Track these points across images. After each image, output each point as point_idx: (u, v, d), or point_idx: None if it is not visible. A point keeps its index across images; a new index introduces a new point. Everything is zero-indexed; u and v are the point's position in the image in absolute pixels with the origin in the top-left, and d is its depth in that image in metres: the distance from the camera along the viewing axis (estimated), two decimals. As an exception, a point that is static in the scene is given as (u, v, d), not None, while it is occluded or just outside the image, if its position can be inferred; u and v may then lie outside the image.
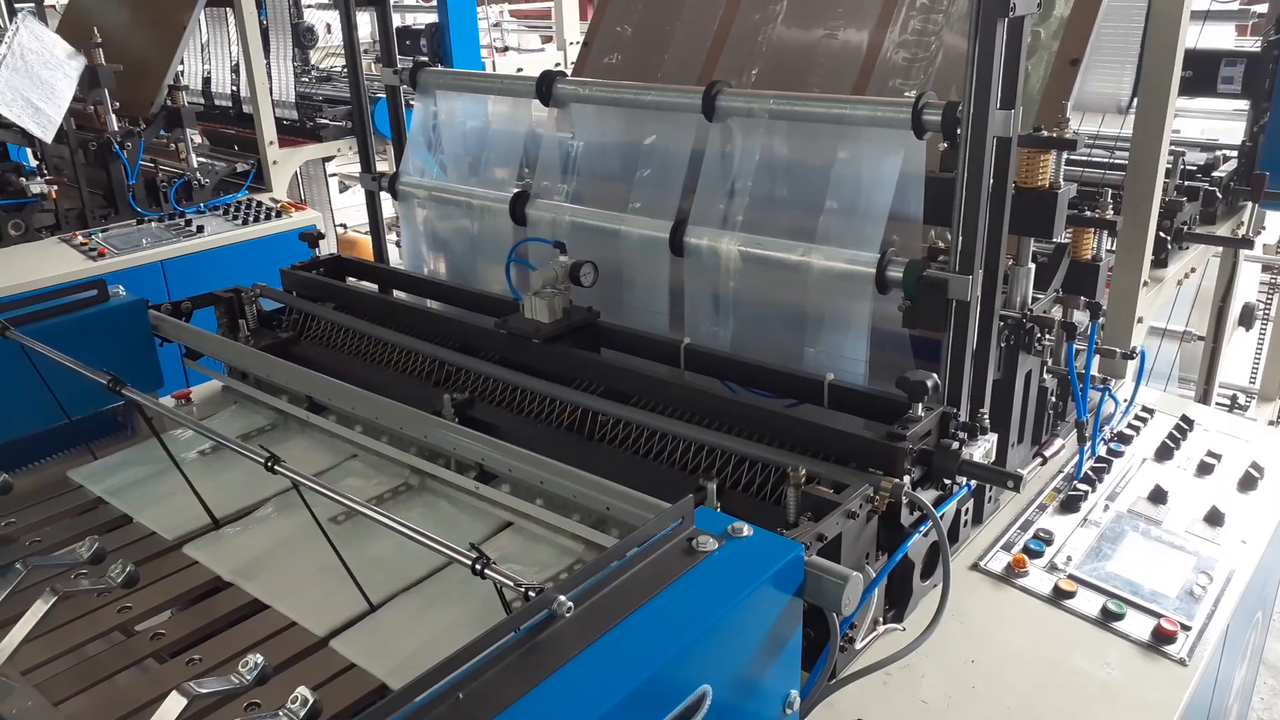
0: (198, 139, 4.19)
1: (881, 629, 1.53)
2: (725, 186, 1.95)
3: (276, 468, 1.41)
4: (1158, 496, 1.88)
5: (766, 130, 1.91)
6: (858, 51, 2.30)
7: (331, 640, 1.44)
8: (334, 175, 6.37)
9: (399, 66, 2.46)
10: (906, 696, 1.46)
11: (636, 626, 1.08)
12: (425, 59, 3.50)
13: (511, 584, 1.13)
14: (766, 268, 1.86)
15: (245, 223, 4.05)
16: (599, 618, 1.08)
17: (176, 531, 1.72)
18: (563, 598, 1.06)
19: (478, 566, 1.15)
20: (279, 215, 4.16)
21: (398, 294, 2.46)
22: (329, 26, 6.45)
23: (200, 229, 3.94)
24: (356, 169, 6.10)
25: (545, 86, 2.18)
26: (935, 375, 1.56)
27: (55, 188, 3.93)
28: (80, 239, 3.78)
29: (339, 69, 5.69)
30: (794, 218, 1.87)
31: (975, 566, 1.73)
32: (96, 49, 3.88)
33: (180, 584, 1.62)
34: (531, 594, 1.08)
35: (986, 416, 1.67)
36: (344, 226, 6.30)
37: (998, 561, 1.72)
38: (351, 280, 2.50)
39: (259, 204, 4.19)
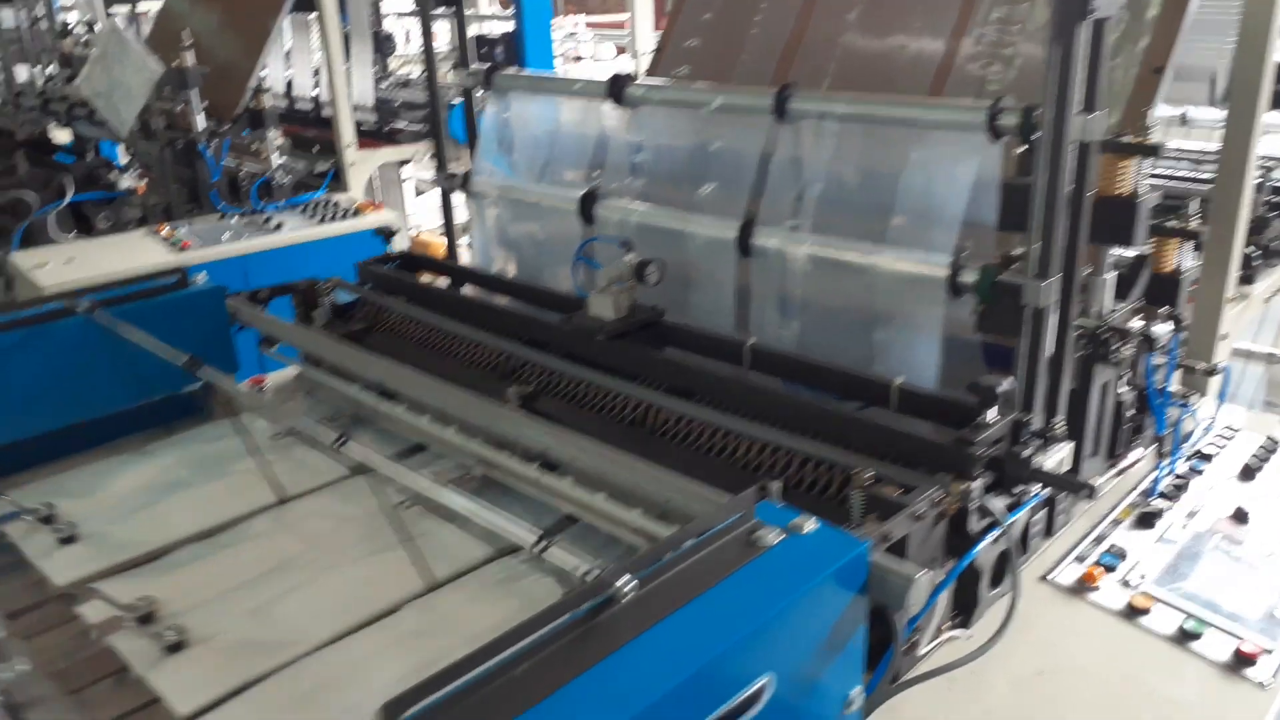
0: (279, 140, 4.31)
1: (946, 635, 1.50)
2: (795, 189, 1.94)
3: (342, 448, 1.44)
4: (1240, 516, 1.81)
5: (838, 133, 1.89)
6: (931, 62, 2.27)
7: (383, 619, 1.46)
8: (408, 179, 6.50)
9: (474, 68, 2.50)
10: (970, 705, 1.43)
11: (696, 614, 1.07)
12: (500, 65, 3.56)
13: (571, 567, 1.14)
14: (836, 270, 1.84)
15: (322, 221, 4.15)
16: (658, 603, 1.07)
17: (241, 509, 1.76)
18: (623, 580, 1.06)
19: (541, 544, 1.15)
20: (355, 215, 4.25)
21: (467, 290, 2.50)
22: (408, 35, 6.60)
23: (279, 225, 4.05)
24: (431, 174, 6.21)
25: (616, 88, 2.20)
26: (1009, 379, 1.53)
27: (143, 183, 4.09)
28: (165, 232, 3.91)
29: (416, 75, 5.82)
30: (864, 221, 1.85)
31: (1045, 579, 1.68)
32: (187, 51, 4.02)
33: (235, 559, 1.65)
34: (589, 578, 1.09)
35: (1060, 424, 1.62)
36: (416, 229, 6.41)
37: (1068, 574, 1.67)
38: (424, 277, 2.54)
39: (336, 204, 4.29)
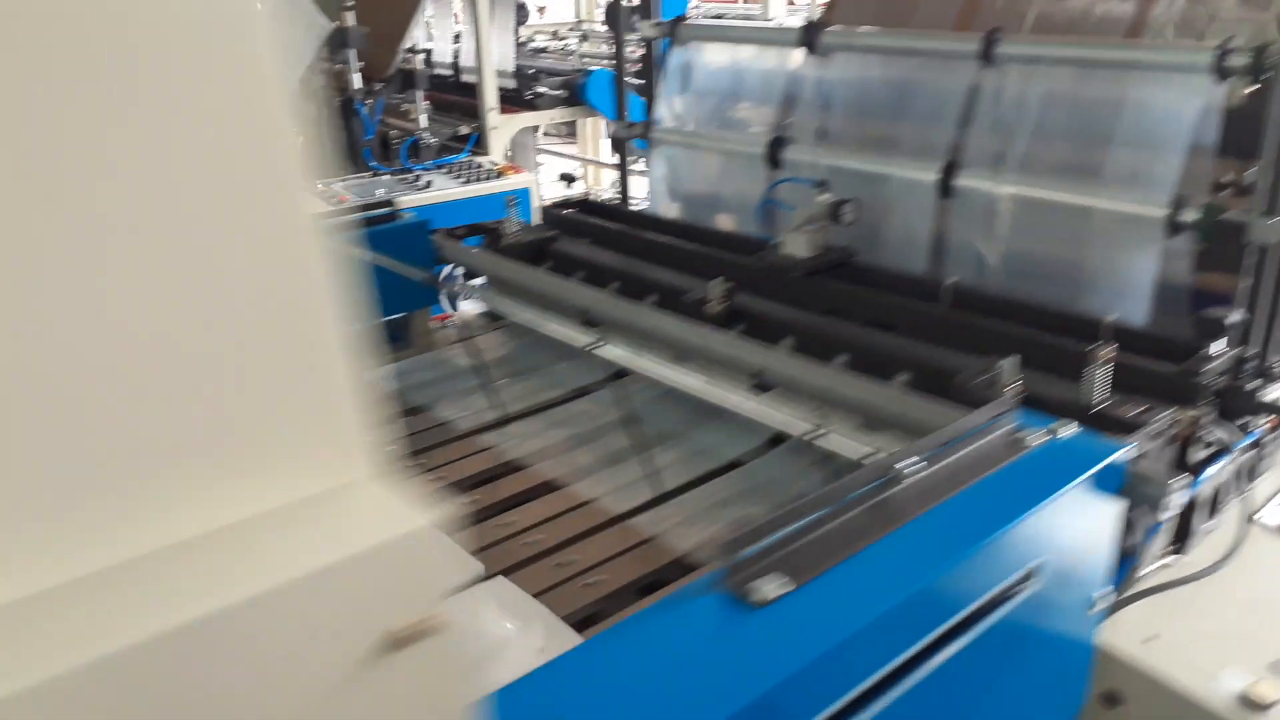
0: (425, 103, 4.47)
1: (1160, 561, 1.53)
2: (1000, 132, 1.97)
3: (595, 350, 1.53)
4: None
5: (1047, 76, 1.91)
6: (1121, 23, 2.26)
7: (627, 519, 1.55)
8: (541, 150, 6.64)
9: (657, 21, 2.58)
10: (1192, 623, 1.46)
11: (973, 499, 1.13)
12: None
13: (851, 452, 1.21)
14: (1045, 212, 1.87)
15: (467, 181, 4.29)
16: (937, 488, 1.14)
17: (468, 423, 1.88)
18: (907, 462, 1.12)
19: (816, 432, 1.22)
20: (497, 176, 4.38)
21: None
22: (541, 9, 6.73)
23: (428, 184, 4.20)
24: (556, 145, 6.32)
25: (810, 36, 2.25)
26: (1237, 311, 1.55)
27: (300, 140, 4.27)
28: (321, 187, 4.09)
29: (548, 45, 5.94)
30: (1074, 164, 1.87)
31: (1251, 519, 1.69)
32: (348, 11, 4.19)
33: (472, 467, 1.77)
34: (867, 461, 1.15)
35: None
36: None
37: (1276, 515, 1.68)
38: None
39: (479, 165, 4.42)
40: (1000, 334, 1.74)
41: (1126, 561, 1.34)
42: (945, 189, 2.00)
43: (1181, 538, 1.58)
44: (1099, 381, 1.43)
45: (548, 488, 1.67)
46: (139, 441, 0.43)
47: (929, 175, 2.02)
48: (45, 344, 0.40)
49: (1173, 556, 1.56)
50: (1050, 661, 1.29)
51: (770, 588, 0.95)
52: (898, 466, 1.11)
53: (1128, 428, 1.41)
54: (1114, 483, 1.24)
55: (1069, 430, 1.25)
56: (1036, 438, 1.23)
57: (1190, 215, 1.68)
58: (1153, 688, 1.40)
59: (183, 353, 0.44)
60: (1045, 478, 1.17)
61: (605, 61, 5.41)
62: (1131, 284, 1.78)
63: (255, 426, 0.46)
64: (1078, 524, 1.21)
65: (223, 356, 0.45)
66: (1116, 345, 1.44)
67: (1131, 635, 1.42)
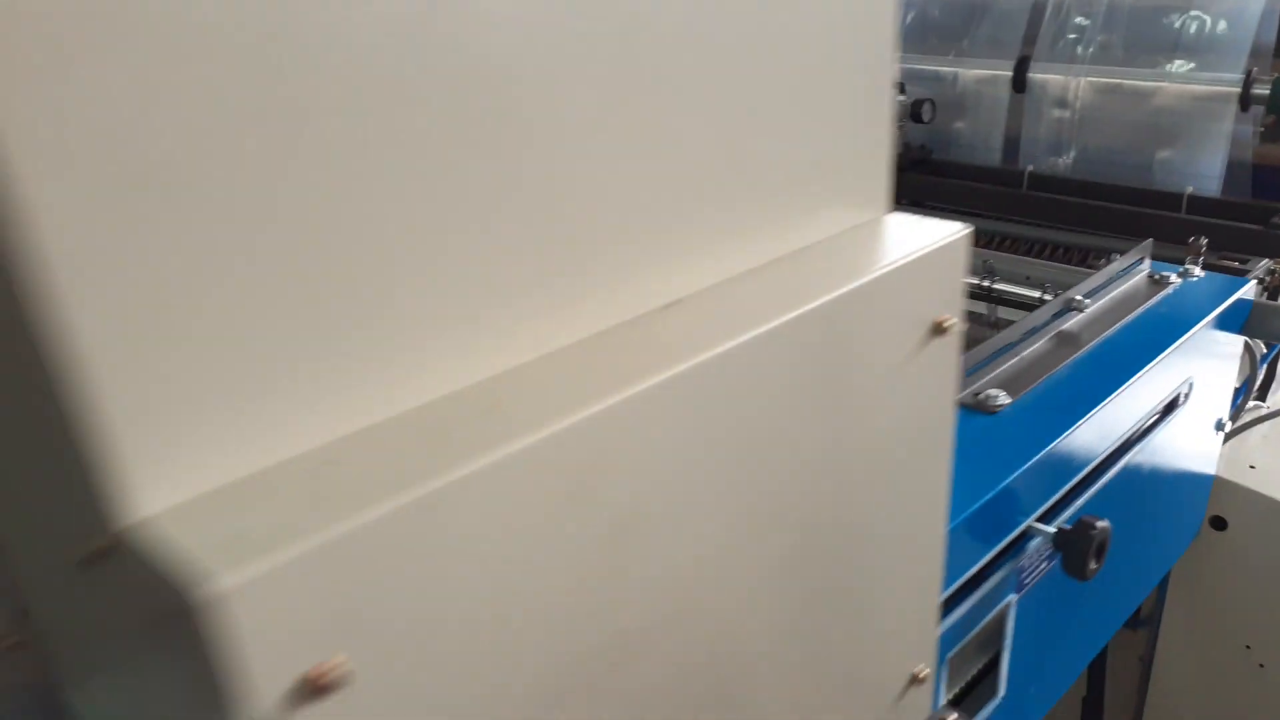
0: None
1: (1253, 402, 1.70)
2: (1070, 25, 2.10)
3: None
4: None
5: (1113, -29, 2.05)
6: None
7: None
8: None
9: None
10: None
11: (1132, 328, 1.28)
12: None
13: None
14: (1118, 98, 2.01)
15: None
16: (1102, 319, 1.29)
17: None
18: (1081, 297, 1.27)
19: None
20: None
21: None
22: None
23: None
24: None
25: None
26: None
27: None
28: None
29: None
30: (1146, 54, 2.02)
31: (1317, 366, 1.87)
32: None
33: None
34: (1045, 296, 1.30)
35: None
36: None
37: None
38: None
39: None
40: (1090, 208, 1.89)
41: (1236, 394, 1.50)
42: (1019, 83, 2.13)
43: (1265, 386, 1.76)
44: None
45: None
46: (729, 176, 0.54)
47: (1003, 71, 2.15)
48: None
49: (1254, 401, 1.74)
50: (1184, 483, 1.45)
51: (999, 399, 1.09)
52: (1078, 298, 1.25)
53: (1236, 275, 1.57)
54: (1237, 318, 1.40)
55: (1199, 271, 1.40)
56: (1175, 278, 1.38)
57: (1260, 89, 1.83)
58: (1256, 512, 1.58)
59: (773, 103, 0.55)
60: (1189, 309, 1.32)
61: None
62: (1204, 165, 1.93)
63: (816, 167, 0.58)
64: (1211, 353, 1.36)
65: (794, 103, 0.57)
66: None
67: (1235, 465, 1.60)
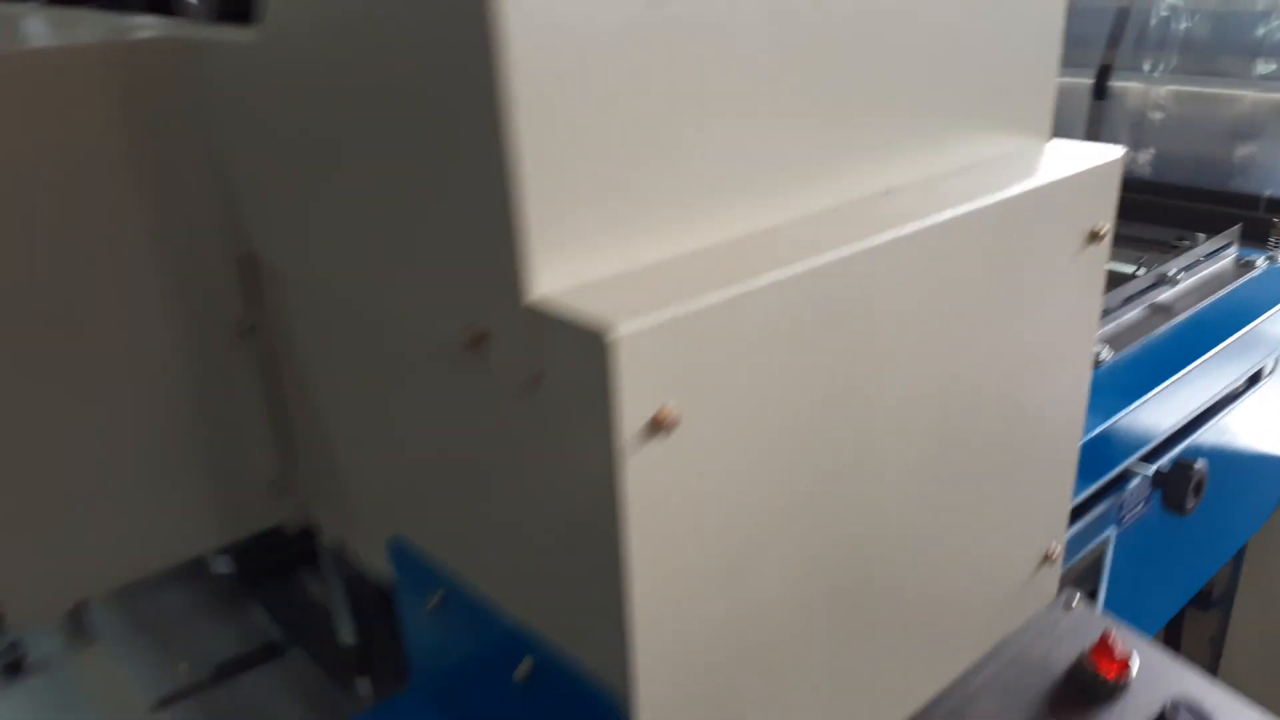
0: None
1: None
2: (1149, 34, 2.20)
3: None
4: None
5: (1194, -13, 2.14)
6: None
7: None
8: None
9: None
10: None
11: (1222, 302, 1.37)
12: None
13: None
14: (1197, 104, 2.10)
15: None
16: (1194, 292, 1.38)
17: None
18: (1174, 271, 1.36)
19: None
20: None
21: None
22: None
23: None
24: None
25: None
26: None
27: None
28: None
29: None
30: (1223, 62, 2.10)
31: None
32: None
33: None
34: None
35: None
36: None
37: None
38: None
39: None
40: (1169, 207, 1.98)
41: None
42: (1100, 91, 2.22)
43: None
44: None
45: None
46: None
47: (1084, 80, 2.24)
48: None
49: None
50: (1266, 457, 1.53)
51: (1104, 353, 1.18)
52: (1171, 273, 1.34)
53: (1315, 266, 1.65)
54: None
55: (1283, 257, 1.49)
56: (1262, 261, 1.47)
57: (1340, 97, 1.92)
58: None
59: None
60: (1274, 289, 1.41)
61: None
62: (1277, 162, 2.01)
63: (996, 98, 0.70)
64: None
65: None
66: None
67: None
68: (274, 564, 1.19)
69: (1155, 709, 0.77)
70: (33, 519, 0.72)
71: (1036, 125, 0.72)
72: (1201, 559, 1.44)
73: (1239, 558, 1.77)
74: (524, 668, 0.60)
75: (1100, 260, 0.72)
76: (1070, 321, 0.73)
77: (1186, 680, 0.81)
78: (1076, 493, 1.09)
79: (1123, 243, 1.97)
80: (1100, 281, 0.74)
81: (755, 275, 0.50)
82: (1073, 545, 1.10)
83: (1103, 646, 0.80)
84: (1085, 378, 0.78)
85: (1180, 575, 1.40)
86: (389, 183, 0.56)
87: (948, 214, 0.59)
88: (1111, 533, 1.14)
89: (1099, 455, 1.10)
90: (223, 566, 1.20)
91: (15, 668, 1.23)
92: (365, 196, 0.59)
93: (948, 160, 0.67)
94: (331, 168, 0.62)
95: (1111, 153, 0.69)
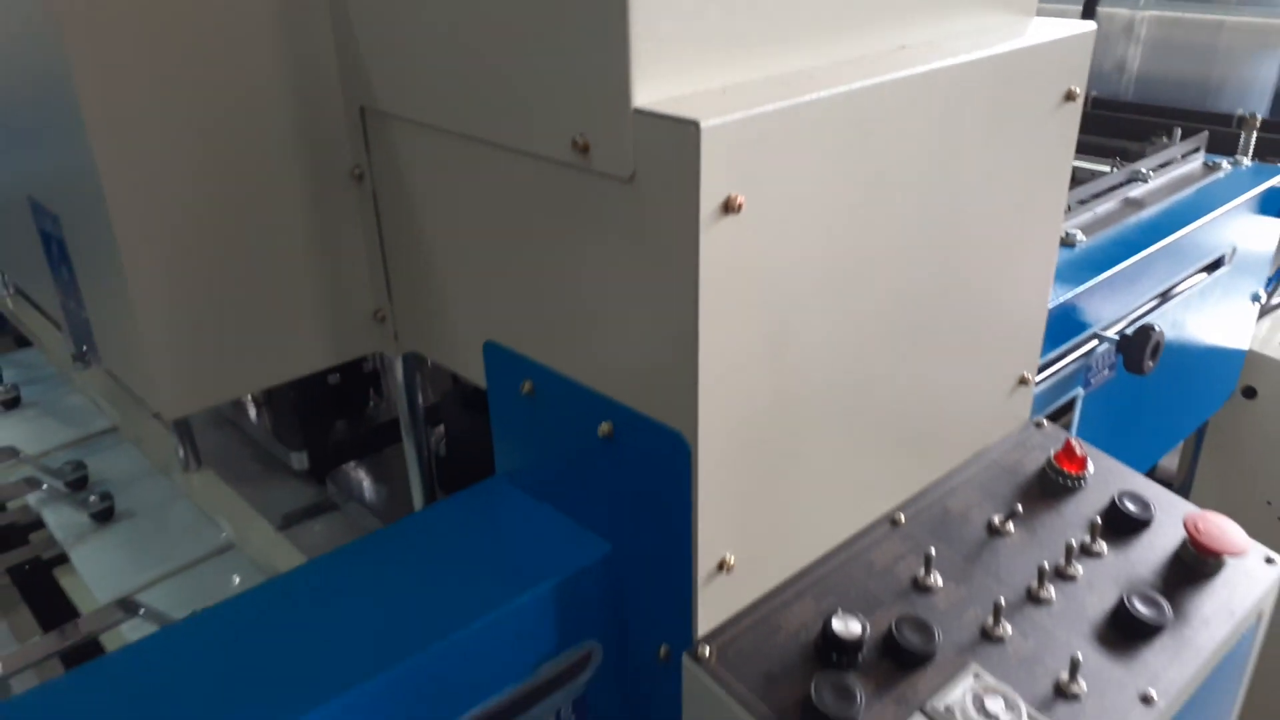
0: None
1: None
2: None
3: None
4: None
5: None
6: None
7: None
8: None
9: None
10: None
11: (1195, 196, 1.53)
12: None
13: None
14: (1176, 29, 2.24)
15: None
16: (1165, 187, 1.53)
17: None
18: (1144, 169, 1.51)
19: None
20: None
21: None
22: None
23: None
24: None
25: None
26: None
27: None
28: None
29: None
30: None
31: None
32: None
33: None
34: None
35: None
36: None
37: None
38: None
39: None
40: (1146, 124, 2.12)
41: (1269, 280, 1.74)
42: (1088, 12, 2.35)
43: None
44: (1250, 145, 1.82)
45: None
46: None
47: (1074, 6, 2.37)
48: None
49: None
50: (1220, 346, 1.69)
51: (1078, 237, 1.34)
52: (1143, 171, 1.50)
53: None
54: (1277, 205, 1.64)
55: (1248, 162, 1.64)
56: (1225, 166, 1.62)
57: (1310, 23, 2.05)
58: (1283, 382, 1.82)
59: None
60: (1237, 188, 1.57)
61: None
62: (1255, 85, 2.16)
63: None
64: (1252, 231, 1.60)
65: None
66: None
67: (1267, 341, 1.84)
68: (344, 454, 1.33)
69: (1107, 499, 0.94)
70: (189, 324, 0.87)
71: (1024, 4, 0.87)
72: (1162, 427, 1.62)
73: (1198, 445, 1.95)
74: (605, 427, 0.76)
75: (1073, 119, 0.87)
76: (1047, 171, 0.88)
77: (1132, 479, 0.98)
78: (1049, 351, 1.25)
79: (1106, 152, 2.12)
80: (1073, 138, 0.90)
81: (804, 94, 0.65)
82: (1044, 401, 1.26)
83: (1067, 451, 0.96)
84: (1057, 226, 0.94)
85: (1142, 442, 1.57)
86: (511, 6, 0.70)
87: (951, 61, 0.74)
88: (1079, 393, 1.30)
89: (1070, 321, 1.26)
90: (297, 464, 1.33)
91: (107, 514, 1.38)
92: (488, 23, 0.72)
93: (951, 26, 0.81)
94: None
95: (1086, 25, 0.84)
